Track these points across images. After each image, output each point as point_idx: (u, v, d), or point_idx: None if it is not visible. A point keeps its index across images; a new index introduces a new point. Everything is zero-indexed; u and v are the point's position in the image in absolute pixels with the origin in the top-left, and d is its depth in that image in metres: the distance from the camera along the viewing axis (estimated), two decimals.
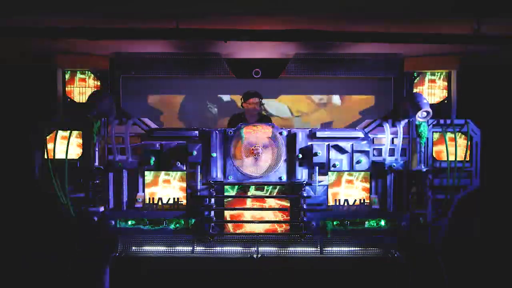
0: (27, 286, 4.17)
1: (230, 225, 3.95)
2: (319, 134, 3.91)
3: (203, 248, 3.97)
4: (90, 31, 3.48)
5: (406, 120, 3.97)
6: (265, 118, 4.94)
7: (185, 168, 3.90)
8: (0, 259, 4.47)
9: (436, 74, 4.20)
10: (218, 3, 3.24)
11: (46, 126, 3.91)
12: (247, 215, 3.93)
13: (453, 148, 3.92)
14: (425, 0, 3.21)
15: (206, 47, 4.04)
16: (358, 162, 3.92)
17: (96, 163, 3.89)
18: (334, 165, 3.86)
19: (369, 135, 3.98)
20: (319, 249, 3.98)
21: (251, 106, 4.76)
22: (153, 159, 3.85)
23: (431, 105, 3.92)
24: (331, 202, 3.97)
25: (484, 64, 4.60)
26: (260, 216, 3.92)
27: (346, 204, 3.99)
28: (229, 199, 3.93)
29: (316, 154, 3.82)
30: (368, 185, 4.00)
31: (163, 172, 3.97)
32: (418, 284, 3.89)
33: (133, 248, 4.00)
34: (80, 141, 3.96)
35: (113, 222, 3.91)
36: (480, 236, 4.70)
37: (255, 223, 3.90)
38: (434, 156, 4.01)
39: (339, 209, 3.98)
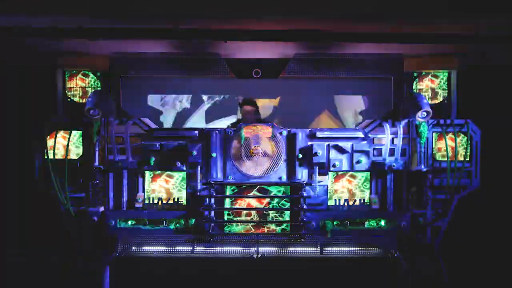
0: (27, 286, 4.17)
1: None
2: (319, 134, 3.91)
3: (203, 248, 3.97)
4: (90, 31, 3.48)
5: (406, 120, 3.97)
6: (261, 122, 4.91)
7: (185, 168, 3.90)
8: (0, 259, 4.46)
9: (436, 74, 4.20)
10: (218, 3, 3.24)
11: (46, 126, 3.91)
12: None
13: (453, 148, 3.92)
14: (425, 0, 3.21)
15: (206, 47, 4.04)
16: (358, 162, 3.92)
17: (96, 163, 3.89)
18: (334, 165, 3.86)
19: (369, 135, 3.98)
20: (319, 249, 3.97)
21: (245, 112, 4.78)
22: (153, 159, 3.86)
23: (431, 105, 3.92)
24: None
25: (484, 64, 4.60)
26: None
27: (346, 204, 3.99)
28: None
29: (316, 154, 3.82)
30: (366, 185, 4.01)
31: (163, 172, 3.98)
32: (418, 284, 3.89)
33: (133, 248, 4.00)
34: (80, 141, 3.97)
35: (113, 222, 3.91)
36: (479, 236, 4.70)
37: (255, 223, 3.91)
38: (434, 156, 4.01)
39: (339, 209, 3.98)
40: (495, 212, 4.77)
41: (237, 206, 3.92)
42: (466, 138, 3.99)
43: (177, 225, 3.93)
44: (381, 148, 3.97)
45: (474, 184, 3.99)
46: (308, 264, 3.94)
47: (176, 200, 3.98)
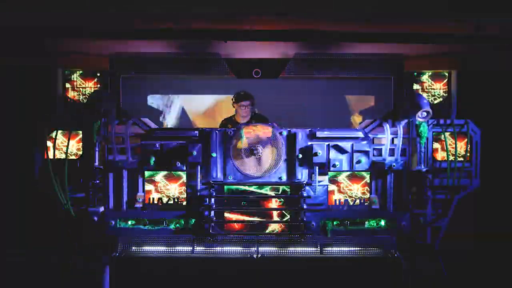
0: (27, 286, 4.17)
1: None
2: (319, 134, 3.91)
3: (203, 248, 3.97)
4: (90, 31, 3.48)
5: (406, 120, 3.97)
6: (258, 117, 4.82)
7: (185, 168, 3.90)
8: (0, 259, 4.47)
9: (436, 74, 4.20)
10: (218, 3, 3.24)
11: (46, 126, 3.91)
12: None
13: (453, 148, 3.92)
14: (425, 0, 3.22)
15: (206, 47, 4.04)
16: (358, 162, 3.91)
17: (96, 163, 3.89)
18: (334, 165, 3.86)
19: (369, 135, 3.98)
20: (319, 249, 3.97)
21: (242, 108, 4.72)
22: (153, 159, 3.85)
23: (431, 105, 3.92)
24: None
25: (484, 64, 4.60)
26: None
27: (346, 204, 3.99)
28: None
29: (316, 154, 3.82)
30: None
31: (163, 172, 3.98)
32: (418, 284, 3.89)
33: (133, 248, 3.99)
34: (80, 141, 3.97)
35: (113, 222, 3.91)
36: (479, 236, 4.70)
37: (255, 223, 3.91)
38: (434, 156, 4.01)
39: (339, 209, 3.98)
40: (495, 212, 4.77)
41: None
42: (465, 138, 3.99)
43: (177, 225, 3.93)
44: (381, 148, 3.97)
45: (474, 184, 3.99)
46: (308, 264, 3.94)
47: (176, 200, 3.98)
